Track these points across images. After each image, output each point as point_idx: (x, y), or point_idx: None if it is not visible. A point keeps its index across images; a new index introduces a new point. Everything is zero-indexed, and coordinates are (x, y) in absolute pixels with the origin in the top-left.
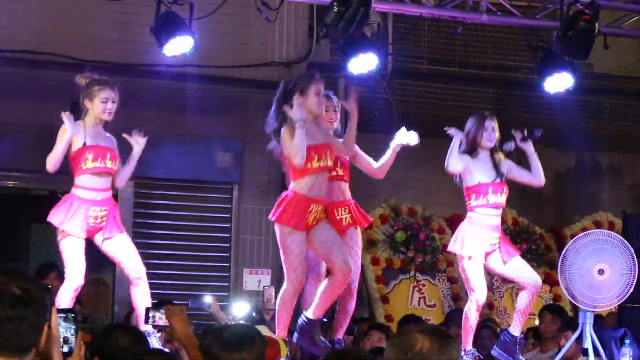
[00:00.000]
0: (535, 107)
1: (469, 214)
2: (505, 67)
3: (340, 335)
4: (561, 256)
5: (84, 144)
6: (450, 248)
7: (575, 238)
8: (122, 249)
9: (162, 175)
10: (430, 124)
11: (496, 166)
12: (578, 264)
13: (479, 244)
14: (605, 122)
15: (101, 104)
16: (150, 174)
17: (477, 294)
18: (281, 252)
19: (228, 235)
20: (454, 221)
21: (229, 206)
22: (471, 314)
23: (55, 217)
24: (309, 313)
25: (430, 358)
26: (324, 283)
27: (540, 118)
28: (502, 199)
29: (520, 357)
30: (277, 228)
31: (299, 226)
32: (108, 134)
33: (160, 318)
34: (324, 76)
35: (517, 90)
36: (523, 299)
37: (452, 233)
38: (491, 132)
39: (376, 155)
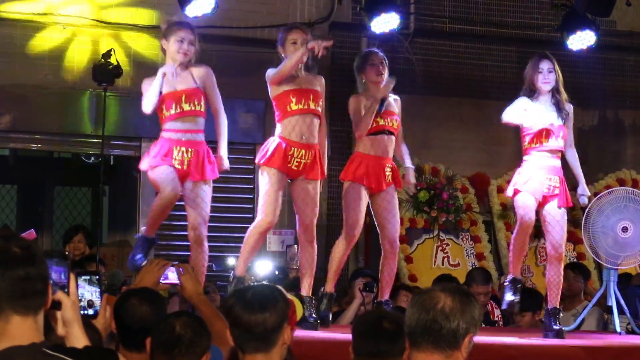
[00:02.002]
0: (558, 65)
1: (524, 157)
2: (528, 25)
3: (386, 296)
4: (585, 214)
5: (160, 92)
6: (506, 194)
7: (599, 196)
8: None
9: None
10: (452, 83)
11: (557, 109)
12: (602, 222)
13: (532, 181)
14: (628, 80)
15: (176, 43)
16: None
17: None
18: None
19: (251, 196)
20: (477, 180)
21: (252, 167)
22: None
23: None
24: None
25: (452, 316)
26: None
27: (563, 76)
28: (558, 142)
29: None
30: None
31: (274, 164)
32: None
33: (172, 276)
34: (345, 35)
35: (540, 49)
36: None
37: (475, 192)
38: (547, 73)
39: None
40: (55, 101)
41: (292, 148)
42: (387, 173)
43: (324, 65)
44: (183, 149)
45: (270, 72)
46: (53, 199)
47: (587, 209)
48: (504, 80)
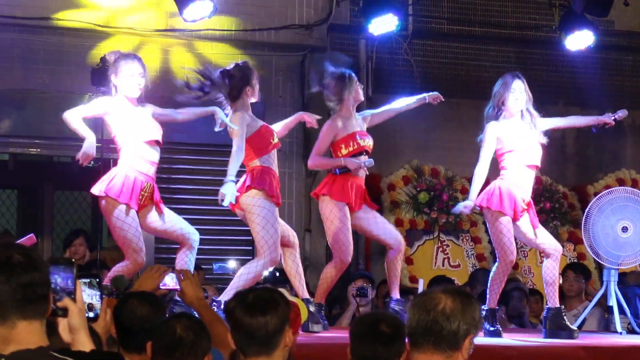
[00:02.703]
0: (556, 66)
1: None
2: (526, 25)
3: (397, 294)
4: (585, 214)
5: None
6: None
7: (599, 196)
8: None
9: (184, 140)
10: (451, 84)
11: (530, 128)
12: (602, 221)
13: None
14: (626, 79)
15: (130, 78)
16: (172, 138)
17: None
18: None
19: None
20: None
21: None
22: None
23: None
24: None
25: (453, 317)
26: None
27: (561, 76)
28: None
29: (568, 323)
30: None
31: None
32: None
33: (170, 282)
34: (343, 37)
35: (538, 49)
36: (550, 270)
37: None
38: (518, 94)
39: (397, 116)
40: (54, 105)
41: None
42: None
43: (321, 67)
44: None
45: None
46: (53, 203)
47: (586, 209)
48: None
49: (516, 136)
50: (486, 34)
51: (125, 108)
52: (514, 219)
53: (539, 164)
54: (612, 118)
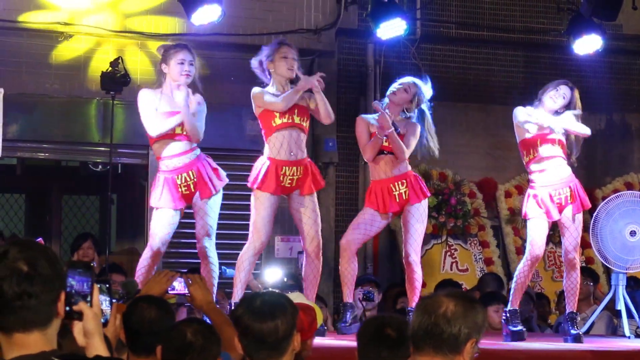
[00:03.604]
0: (564, 70)
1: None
2: (534, 29)
3: (413, 304)
4: (593, 218)
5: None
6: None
7: (607, 200)
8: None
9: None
10: (459, 89)
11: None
12: (610, 225)
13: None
14: (634, 83)
15: (177, 66)
16: None
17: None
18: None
19: None
20: (485, 185)
21: None
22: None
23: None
24: None
25: (454, 320)
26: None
27: (570, 80)
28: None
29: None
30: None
31: (268, 189)
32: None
33: (179, 287)
34: (352, 42)
35: (546, 53)
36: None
37: (483, 197)
38: (561, 95)
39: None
40: (62, 110)
41: (284, 167)
42: (395, 194)
43: (329, 71)
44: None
45: (258, 94)
46: (61, 208)
47: (595, 213)
48: (511, 85)
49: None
50: (494, 39)
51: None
52: (551, 218)
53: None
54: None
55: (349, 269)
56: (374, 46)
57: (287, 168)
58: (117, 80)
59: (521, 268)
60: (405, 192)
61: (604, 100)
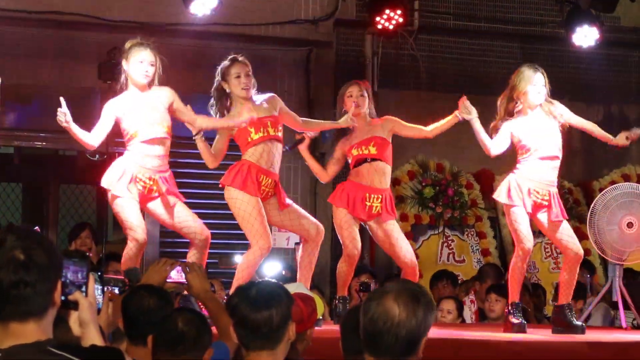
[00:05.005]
0: (562, 61)
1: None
2: (532, 21)
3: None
4: (590, 210)
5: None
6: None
7: (604, 192)
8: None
9: (190, 135)
10: (456, 80)
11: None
12: (607, 217)
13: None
14: (632, 75)
15: (139, 65)
16: (179, 133)
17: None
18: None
19: None
20: (482, 176)
21: None
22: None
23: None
24: None
25: (402, 324)
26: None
27: (567, 72)
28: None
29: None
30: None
31: (251, 192)
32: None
33: (176, 276)
34: (349, 33)
35: (544, 45)
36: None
37: (480, 188)
38: (540, 87)
39: (403, 111)
40: (59, 99)
41: (261, 175)
42: (367, 204)
43: (327, 63)
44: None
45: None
46: (58, 197)
47: (592, 205)
48: (508, 76)
49: (532, 133)
50: (492, 30)
51: None
52: (530, 214)
53: (558, 154)
54: (627, 138)
55: (348, 271)
56: (372, 37)
57: (264, 177)
58: (115, 70)
59: (514, 263)
60: (377, 207)
61: (601, 92)
